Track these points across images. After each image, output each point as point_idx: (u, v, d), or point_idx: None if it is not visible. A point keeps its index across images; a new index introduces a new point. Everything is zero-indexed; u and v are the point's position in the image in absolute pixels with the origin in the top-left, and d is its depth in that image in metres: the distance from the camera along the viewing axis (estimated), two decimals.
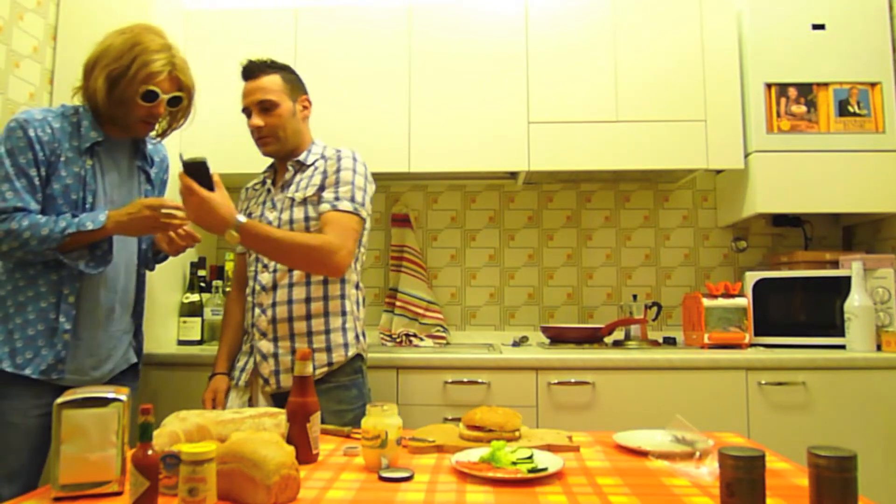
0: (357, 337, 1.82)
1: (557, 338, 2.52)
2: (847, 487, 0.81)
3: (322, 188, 1.78)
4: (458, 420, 1.40)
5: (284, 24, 2.56)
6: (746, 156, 2.46)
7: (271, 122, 1.81)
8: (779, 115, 2.42)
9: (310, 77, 2.50)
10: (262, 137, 1.83)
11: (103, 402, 1.02)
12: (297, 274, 1.76)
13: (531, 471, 1.08)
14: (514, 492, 1.03)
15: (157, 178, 1.84)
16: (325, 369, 1.74)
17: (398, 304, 2.71)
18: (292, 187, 1.82)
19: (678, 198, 2.85)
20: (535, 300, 2.83)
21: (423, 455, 1.26)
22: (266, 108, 1.80)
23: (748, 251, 2.80)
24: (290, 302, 1.75)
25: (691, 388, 2.09)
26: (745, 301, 2.30)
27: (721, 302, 2.30)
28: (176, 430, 1.14)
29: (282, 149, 1.84)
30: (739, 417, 2.07)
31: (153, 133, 1.75)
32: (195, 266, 2.53)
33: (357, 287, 1.87)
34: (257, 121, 1.81)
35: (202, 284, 2.56)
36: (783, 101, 2.43)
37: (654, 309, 2.63)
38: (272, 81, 1.82)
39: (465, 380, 2.13)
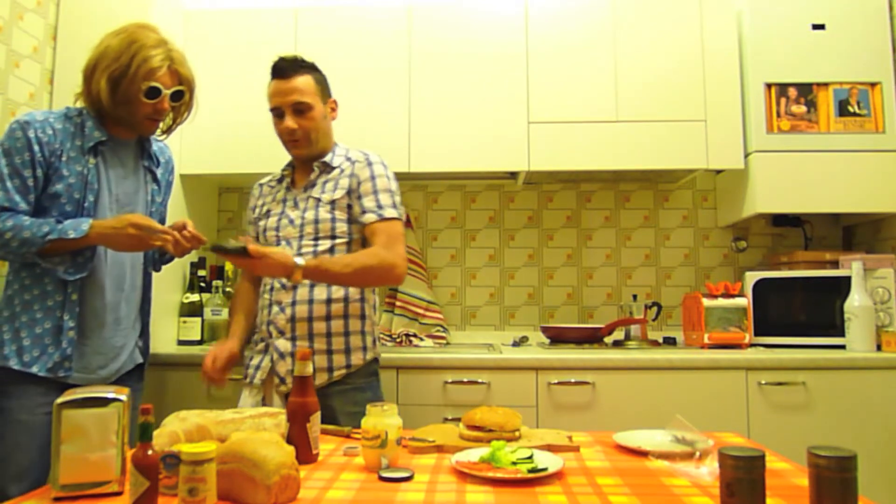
0: (374, 341, 1.82)
1: (557, 338, 2.52)
2: (847, 487, 0.81)
3: (350, 192, 1.77)
4: (458, 420, 1.40)
5: (284, 24, 2.56)
6: (746, 156, 2.46)
7: (305, 125, 1.78)
8: (779, 115, 2.42)
9: None
10: (294, 140, 1.80)
11: (103, 402, 1.02)
12: None
13: (531, 471, 1.08)
14: (514, 492, 1.03)
15: (162, 179, 1.84)
16: (344, 371, 1.74)
17: (398, 303, 2.71)
18: (317, 188, 1.80)
19: (678, 198, 2.85)
20: (535, 300, 2.83)
21: (423, 455, 1.26)
22: (300, 110, 1.77)
23: (748, 251, 2.80)
24: (310, 301, 1.74)
25: (691, 388, 2.09)
26: (745, 301, 2.30)
27: (721, 302, 2.30)
28: (176, 430, 1.14)
29: (312, 151, 1.82)
30: (739, 417, 2.07)
31: (158, 130, 1.76)
32: (195, 266, 2.53)
33: (373, 291, 1.87)
34: (291, 123, 1.77)
35: (202, 284, 2.56)
36: (783, 101, 2.43)
37: (654, 309, 2.63)
38: (306, 83, 1.78)
39: (465, 380, 2.13)
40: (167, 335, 2.40)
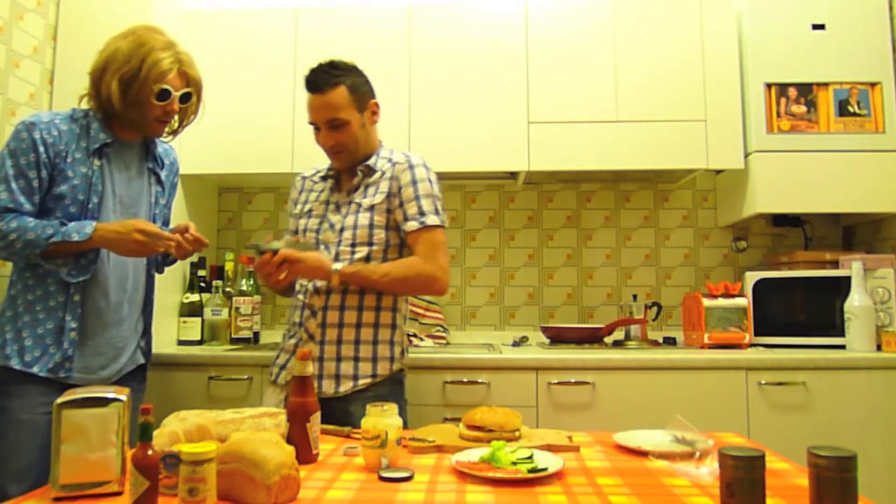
0: (402, 352, 1.80)
1: (557, 338, 2.52)
2: (847, 487, 0.81)
3: (390, 195, 1.75)
4: (458, 420, 1.40)
5: (284, 24, 2.56)
6: (746, 156, 2.46)
7: (342, 140, 1.74)
8: (779, 115, 2.42)
9: None
10: (334, 153, 1.78)
11: (103, 402, 1.02)
12: None
13: (531, 471, 1.08)
14: (514, 492, 1.03)
15: (167, 181, 1.84)
16: (369, 380, 1.71)
17: None
18: (359, 192, 1.78)
19: (678, 198, 2.85)
20: (535, 300, 2.83)
21: (423, 455, 1.26)
22: (336, 126, 1.73)
23: (748, 251, 2.80)
24: (342, 308, 1.72)
25: (691, 388, 2.09)
26: (745, 301, 2.30)
27: (721, 302, 2.30)
28: (176, 430, 1.14)
29: (354, 160, 1.79)
30: (739, 417, 2.07)
31: (165, 131, 1.76)
32: (195, 266, 2.53)
33: (406, 301, 1.85)
34: (327, 140, 1.75)
35: (202, 284, 2.56)
36: (783, 101, 2.43)
37: (654, 309, 2.62)
38: (339, 96, 1.71)
39: (465, 380, 2.13)
40: (167, 335, 2.40)
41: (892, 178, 2.37)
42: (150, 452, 0.94)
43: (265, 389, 1.83)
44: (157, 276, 1.88)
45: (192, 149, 2.48)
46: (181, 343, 2.46)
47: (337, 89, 1.72)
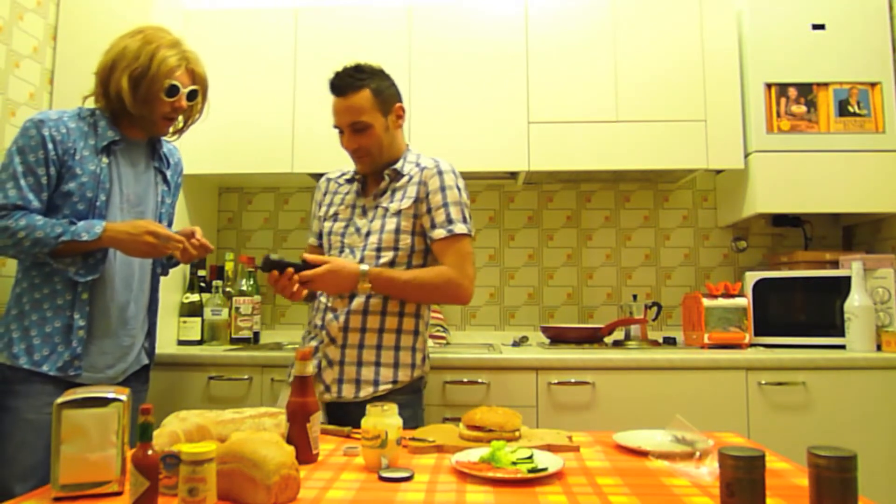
0: (424, 359, 1.78)
1: (557, 338, 2.52)
2: (847, 487, 0.81)
3: (418, 200, 1.73)
4: (458, 420, 1.40)
5: (284, 24, 2.56)
6: (746, 156, 2.46)
7: (364, 144, 1.73)
8: (779, 115, 2.42)
9: (310, 77, 2.52)
10: (357, 157, 1.77)
11: (103, 402, 1.02)
12: None
13: (531, 471, 1.08)
14: (514, 492, 1.02)
15: (172, 180, 1.85)
16: (389, 387, 1.69)
17: None
18: (386, 196, 1.77)
19: (678, 198, 2.85)
20: (535, 300, 2.83)
21: (423, 455, 1.26)
22: (358, 129, 1.71)
23: (748, 251, 2.80)
24: (364, 312, 1.70)
25: (691, 388, 2.09)
26: (745, 301, 2.30)
27: (721, 302, 2.30)
28: (176, 430, 1.14)
29: (378, 163, 1.77)
30: (739, 417, 2.07)
31: (171, 130, 1.77)
32: (195, 266, 2.53)
33: (429, 308, 1.84)
34: (350, 143, 1.74)
35: (202, 284, 2.56)
36: (783, 101, 2.43)
37: (654, 309, 2.62)
38: (363, 99, 1.70)
39: (465, 380, 2.13)
40: (167, 335, 2.40)
41: (892, 178, 2.37)
42: (150, 452, 0.94)
43: (281, 391, 1.82)
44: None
45: (193, 149, 2.47)
46: (181, 343, 2.46)
47: (360, 93, 1.71)
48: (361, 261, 1.71)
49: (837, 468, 0.81)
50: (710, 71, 2.46)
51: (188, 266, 2.51)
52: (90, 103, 1.69)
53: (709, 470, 1.09)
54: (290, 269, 1.56)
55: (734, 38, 2.48)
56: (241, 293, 2.52)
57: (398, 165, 1.78)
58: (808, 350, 2.20)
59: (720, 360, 2.10)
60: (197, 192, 2.69)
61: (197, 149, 2.48)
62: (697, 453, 1.18)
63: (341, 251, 1.76)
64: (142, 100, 1.63)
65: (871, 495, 1.03)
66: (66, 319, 1.59)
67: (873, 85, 2.41)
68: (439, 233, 1.70)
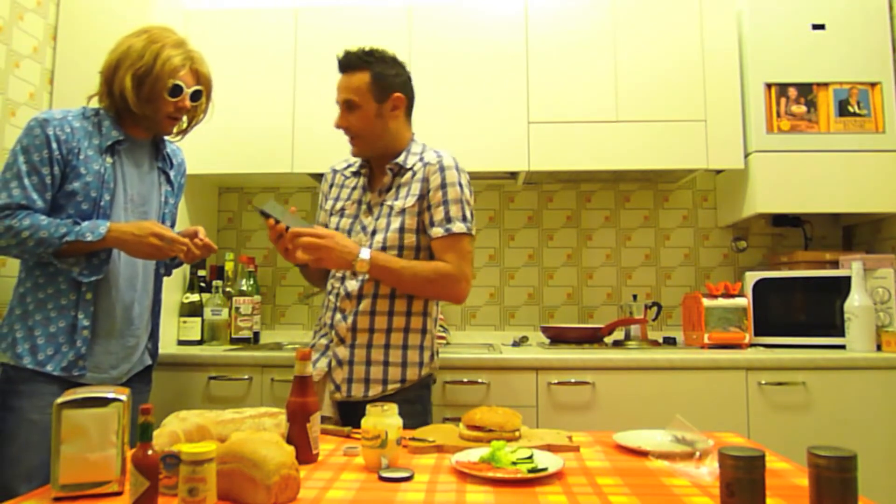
0: (432, 356, 1.78)
1: (557, 338, 2.52)
2: (847, 487, 0.81)
3: (421, 197, 1.72)
4: (458, 420, 1.40)
5: (284, 24, 2.56)
6: (746, 156, 2.46)
7: (353, 124, 1.74)
8: (779, 115, 2.43)
9: (310, 77, 2.53)
10: (349, 138, 1.78)
11: (103, 402, 1.02)
12: (384, 286, 1.72)
13: (531, 471, 1.08)
14: (514, 492, 1.03)
15: (175, 181, 1.85)
16: (398, 385, 1.70)
17: None
18: (391, 193, 1.76)
19: (678, 198, 2.85)
20: (535, 300, 2.83)
21: (423, 455, 1.26)
22: (349, 107, 1.74)
23: (748, 251, 2.80)
24: (372, 313, 1.71)
25: (691, 388, 2.09)
26: (745, 301, 2.30)
27: (721, 302, 2.30)
28: (176, 430, 1.14)
29: (369, 150, 1.78)
30: (739, 417, 2.07)
31: (174, 130, 1.77)
32: (195, 266, 2.53)
33: (437, 305, 1.84)
34: (340, 121, 1.76)
35: (202, 284, 2.56)
36: (783, 101, 2.43)
37: (654, 309, 2.63)
38: (360, 80, 1.72)
39: (465, 380, 2.13)
40: (167, 335, 2.40)
41: (892, 178, 2.37)
42: (150, 452, 0.94)
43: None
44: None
45: (193, 148, 2.46)
46: (181, 343, 2.46)
47: (360, 73, 1.73)
48: None
49: (837, 468, 0.81)
50: (710, 71, 2.46)
51: (188, 266, 2.51)
52: (94, 103, 1.69)
53: (709, 470, 1.09)
54: (281, 226, 1.57)
55: (734, 38, 2.48)
56: (241, 293, 2.52)
57: (401, 159, 1.78)
58: (808, 350, 2.20)
59: (720, 360, 2.10)
60: (197, 191, 2.69)
61: (197, 148, 2.48)
62: (697, 453, 1.18)
63: None
64: (145, 99, 1.63)
65: (871, 495, 1.03)
66: (71, 319, 1.58)
67: (873, 85, 2.41)
68: (437, 231, 1.71)
